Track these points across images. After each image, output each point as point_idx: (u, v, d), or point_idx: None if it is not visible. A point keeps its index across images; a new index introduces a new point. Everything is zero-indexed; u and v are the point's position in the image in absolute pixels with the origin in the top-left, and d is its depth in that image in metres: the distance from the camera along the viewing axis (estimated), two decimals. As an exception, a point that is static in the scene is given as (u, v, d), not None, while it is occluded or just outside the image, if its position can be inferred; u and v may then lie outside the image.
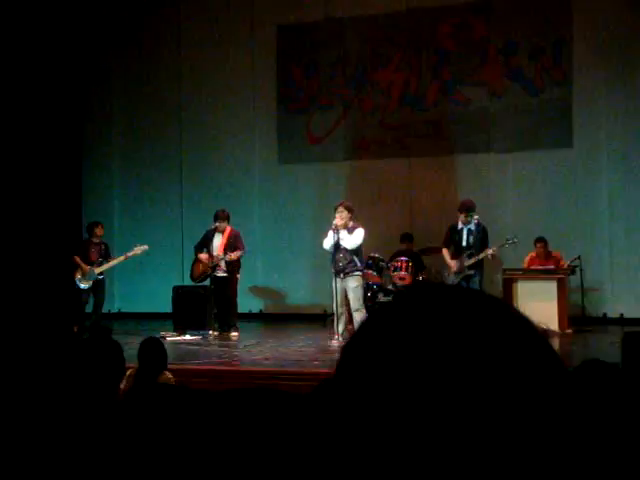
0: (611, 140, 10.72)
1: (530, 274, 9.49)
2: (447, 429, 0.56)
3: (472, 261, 8.97)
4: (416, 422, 0.56)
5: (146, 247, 10.36)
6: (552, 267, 9.59)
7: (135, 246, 10.40)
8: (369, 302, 9.80)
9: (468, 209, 9.01)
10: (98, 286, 10.19)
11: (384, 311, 0.65)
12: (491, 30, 11.27)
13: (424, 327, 0.60)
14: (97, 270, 10.17)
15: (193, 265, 10.06)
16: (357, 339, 0.63)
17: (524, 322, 0.62)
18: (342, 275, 8.44)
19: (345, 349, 0.64)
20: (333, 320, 8.67)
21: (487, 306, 0.62)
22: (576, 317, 9.62)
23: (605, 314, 10.53)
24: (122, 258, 10.32)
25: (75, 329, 9.88)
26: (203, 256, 9.82)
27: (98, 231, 10.33)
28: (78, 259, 10.16)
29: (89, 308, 10.30)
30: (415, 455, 0.56)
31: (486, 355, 0.58)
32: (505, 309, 0.62)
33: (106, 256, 10.32)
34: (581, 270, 9.85)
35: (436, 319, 0.60)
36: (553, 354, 0.61)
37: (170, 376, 4.86)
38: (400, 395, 0.57)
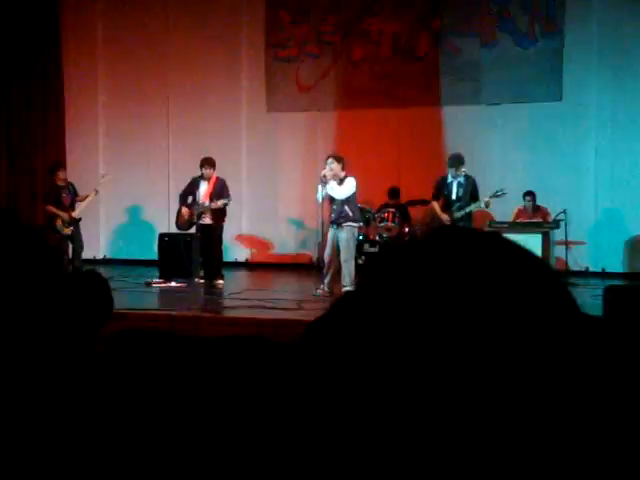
0: (600, 95, 10.68)
1: (516, 227, 9.55)
2: (463, 367, 0.56)
3: (462, 214, 8.98)
4: (435, 362, 0.57)
5: (109, 176, 10.45)
6: (540, 220, 9.66)
7: (101, 179, 10.37)
8: (356, 253, 9.83)
9: (458, 162, 8.98)
10: (76, 231, 10.13)
11: (398, 253, 0.64)
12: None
13: (443, 270, 0.60)
14: (74, 214, 10.09)
15: (178, 213, 10.02)
16: (372, 280, 0.63)
17: (541, 263, 0.62)
18: (335, 226, 8.45)
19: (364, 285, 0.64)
20: (322, 269, 8.70)
21: (507, 249, 0.62)
22: (559, 271, 9.71)
23: (587, 268, 10.63)
24: (93, 194, 10.23)
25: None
26: (185, 210, 9.77)
27: (61, 174, 10.20)
28: (53, 208, 10.05)
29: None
30: (431, 397, 0.57)
31: (503, 294, 0.58)
32: (524, 252, 0.63)
33: (75, 196, 10.21)
34: (566, 224, 9.91)
35: (456, 262, 0.60)
36: (568, 294, 0.62)
37: None
38: (414, 335, 0.58)
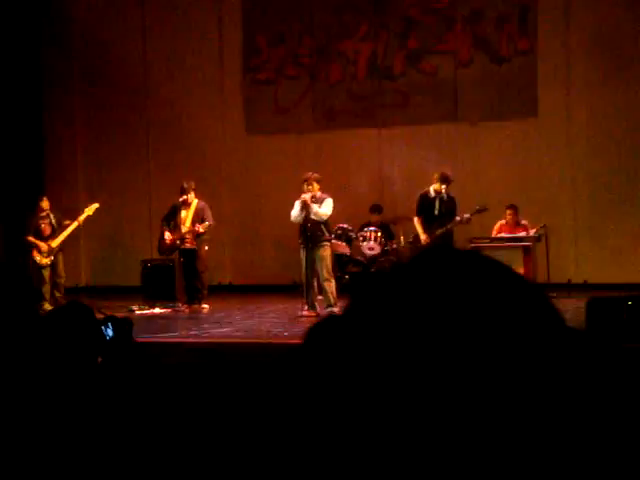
0: (574, 109, 10.82)
1: (497, 242, 9.61)
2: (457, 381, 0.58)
3: (442, 230, 9.03)
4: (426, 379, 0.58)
5: (96, 205, 10.23)
6: (521, 234, 9.75)
7: (85, 207, 10.24)
8: (339, 273, 9.85)
9: (446, 180, 9.08)
10: (55, 260, 10.02)
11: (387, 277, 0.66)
12: (457, -1, 11.26)
13: (430, 291, 0.61)
14: (53, 244, 10.00)
15: (160, 238, 9.99)
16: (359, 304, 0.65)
17: (522, 281, 0.64)
18: (310, 245, 8.44)
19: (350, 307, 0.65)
20: (302, 291, 8.69)
21: (489, 269, 0.64)
22: (541, 284, 9.77)
23: (569, 280, 10.71)
24: (75, 224, 10.13)
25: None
26: (167, 235, 9.74)
27: (43, 204, 10.12)
28: (32, 238, 9.97)
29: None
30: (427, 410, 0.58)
31: (490, 312, 0.60)
32: (506, 271, 0.64)
33: (58, 225, 10.11)
34: (546, 237, 9.99)
35: (440, 284, 0.62)
36: (552, 308, 0.64)
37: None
38: (402, 356, 0.59)
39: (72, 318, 2.78)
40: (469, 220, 9.13)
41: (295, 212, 8.58)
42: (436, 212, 9.12)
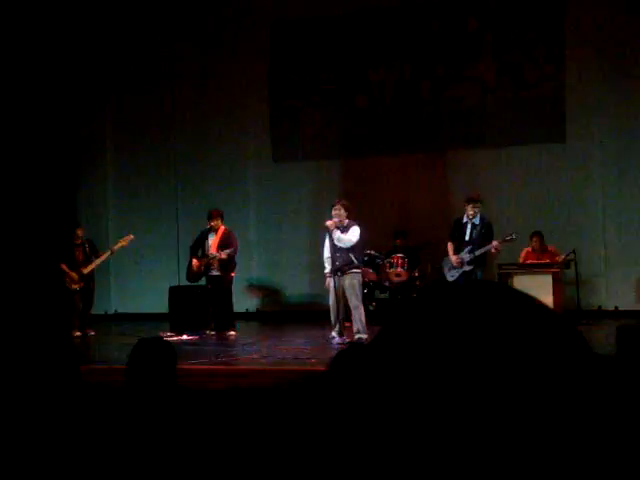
0: (603, 135, 10.75)
1: (525, 268, 9.53)
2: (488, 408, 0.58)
3: (470, 257, 8.96)
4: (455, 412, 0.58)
5: (132, 237, 10.35)
6: (547, 261, 9.63)
7: (120, 238, 10.40)
8: (366, 300, 9.81)
9: (470, 200, 9.01)
10: (86, 287, 10.20)
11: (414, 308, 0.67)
12: (483, 25, 11.29)
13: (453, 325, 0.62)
14: (85, 271, 10.18)
15: (189, 265, 10.06)
16: (389, 334, 0.65)
17: (548, 311, 0.64)
18: (340, 273, 8.42)
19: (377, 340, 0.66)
20: (330, 318, 8.66)
21: (521, 301, 0.64)
22: (571, 310, 9.65)
23: (600, 307, 10.57)
24: (108, 253, 10.32)
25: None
26: (194, 262, 9.84)
27: (78, 232, 10.38)
28: (64, 266, 10.17)
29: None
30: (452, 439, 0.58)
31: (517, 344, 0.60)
32: (534, 303, 0.65)
33: (92, 254, 10.31)
34: (576, 264, 9.89)
35: (465, 318, 0.62)
36: (579, 336, 0.64)
37: None
38: (430, 384, 0.59)
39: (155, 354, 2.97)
40: (497, 248, 8.99)
41: (324, 247, 8.58)
42: (467, 237, 9.05)
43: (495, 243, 8.88)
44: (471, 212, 8.98)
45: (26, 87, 11.58)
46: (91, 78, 12.80)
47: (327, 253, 8.53)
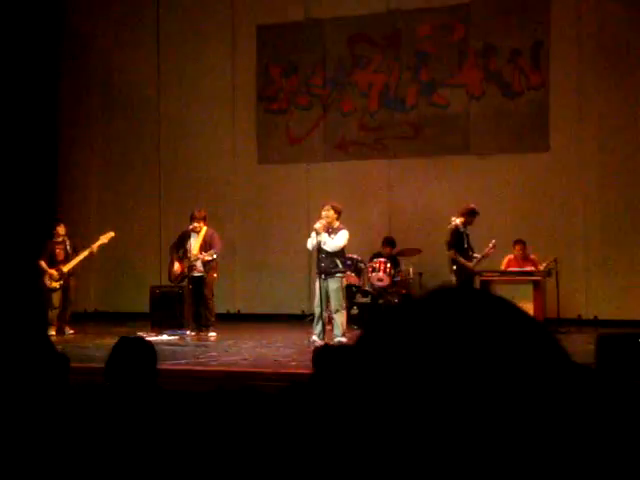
0: (586, 144, 10.83)
1: (507, 276, 9.59)
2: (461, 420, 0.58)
3: (477, 262, 9.32)
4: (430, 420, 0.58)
5: (112, 234, 10.28)
6: (530, 269, 9.70)
7: (100, 235, 10.30)
8: (347, 303, 9.81)
9: (475, 214, 9.36)
10: (66, 285, 10.11)
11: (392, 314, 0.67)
12: (470, 32, 11.34)
13: (433, 329, 0.62)
14: (65, 269, 10.09)
15: (170, 266, 10.01)
16: (366, 341, 0.65)
17: (527, 318, 0.64)
18: (324, 276, 8.43)
19: (357, 346, 0.66)
20: (312, 320, 8.67)
21: (499, 307, 0.64)
22: (552, 319, 9.71)
23: (580, 316, 10.64)
24: (87, 251, 10.22)
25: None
26: (177, 265, 9.80)
27: (59, 230, 10.23)
28: (43, 264, 10.07)
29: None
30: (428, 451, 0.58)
31: (497, 352, 0.60)
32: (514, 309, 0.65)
33: (74, 251, 10.21)
34: (557, 273, 9.94)
35: (443, 322, 0.62)
36: (558, 346, 0.64)
37: None
38: (411, 390, 0.59)
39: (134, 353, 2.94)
40: (494, 246, 9.40)
41: (310, 242, 8.57)
42: (465, 245, 9.30)
43: (493, 242, 9.35)
44: (471, 223, 9.18)
45: (5, 85, 11.47)
46: (75, 76, 12.73)
47: (310, 248, 8.58)
